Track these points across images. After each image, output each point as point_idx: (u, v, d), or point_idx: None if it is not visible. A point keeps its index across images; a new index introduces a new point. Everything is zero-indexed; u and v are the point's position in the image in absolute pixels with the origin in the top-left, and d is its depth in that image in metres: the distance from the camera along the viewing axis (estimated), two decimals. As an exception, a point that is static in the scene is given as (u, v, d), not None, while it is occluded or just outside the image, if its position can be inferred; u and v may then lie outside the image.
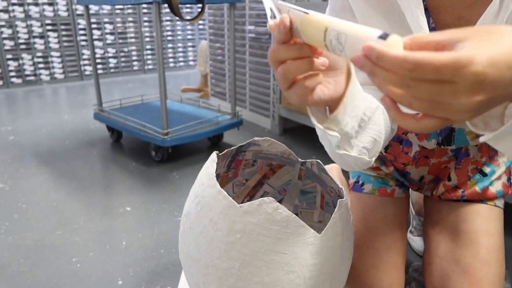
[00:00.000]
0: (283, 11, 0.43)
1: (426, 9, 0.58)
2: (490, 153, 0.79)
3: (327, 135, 0.51)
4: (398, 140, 0.81)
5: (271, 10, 0.44)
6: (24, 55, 3.48)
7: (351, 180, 0.91)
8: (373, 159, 0.58)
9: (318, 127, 0.50)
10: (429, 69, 0.31)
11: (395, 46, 0.33)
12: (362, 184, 0.87)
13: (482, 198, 0.79)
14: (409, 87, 0.33)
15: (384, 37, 0.33)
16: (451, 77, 0.31)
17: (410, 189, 0.90)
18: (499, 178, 0.80)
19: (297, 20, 0.41)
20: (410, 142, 0.79)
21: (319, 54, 0.44)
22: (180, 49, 4.32)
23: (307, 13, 0.40)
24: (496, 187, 0.79)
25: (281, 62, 0.44)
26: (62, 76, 3.70)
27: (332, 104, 0.49)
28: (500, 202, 0.80)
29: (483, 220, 0.76)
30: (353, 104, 0.50)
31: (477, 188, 0.79)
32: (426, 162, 0.80)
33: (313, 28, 0.40)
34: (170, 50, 4.26)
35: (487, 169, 0.80)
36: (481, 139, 0.40)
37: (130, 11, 3.90)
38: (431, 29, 0.59)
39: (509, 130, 0.38)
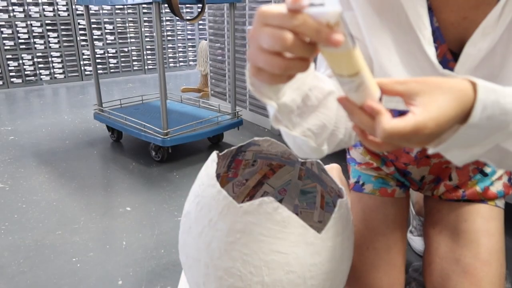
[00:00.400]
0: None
1: (429, 8, 0.58)
2: None
3: (267, 107, 0.49)
4: None
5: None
6: (24, 55, 3.48)
7: (352, 180, 0.91)
8: (325, 147, 0.55)
9: (255, 93, 0.45)
10: (397, 137, 0.40)
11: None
12: (363, 184, 0.87)
13: (483, 198, 0.79)
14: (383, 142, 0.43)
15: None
16: (411, 137, 0.41)
17: (410, 189, 0.90)
18: (500, 178, 0.80)
19: (323, 19, 0.34)
20: None
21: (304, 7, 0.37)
22: (180, 49, 4.32)
23: (354, 43, 0.36)
24: (496, 187, 0.79)
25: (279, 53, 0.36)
26: (62, 76, 3.70)
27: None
28: (500, 202, 0.80)
29: (484, 220, 0.76)
30: (297, 77, 0.48)
31: (478, 188, 0.79)
32: (428, 162, 0.80)
33: (346, 59, 0.37)
34: (170, 50, 4.26)
35: (488, 169, 0.80)
36: (429, 151, 0.48)
37: (130, 11, 3.90)
38: (435, 28, 0.59)
39: (453, 144, 0.45)
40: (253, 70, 0.38)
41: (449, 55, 0.60)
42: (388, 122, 0.40)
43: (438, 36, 0.59)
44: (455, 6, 0.57)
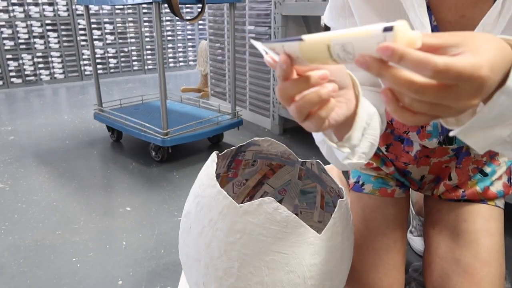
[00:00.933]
0: (277, 49, 0.42)
1: (428, 7, 0.58)
2: (491, 152, 0.79)
3: (335, 150, 0.52)
4: (399, 139, 0.81)
5: (264, 51, 0.43)
6: (24, 55, 3.48)
7: (352, 180, 0.91)
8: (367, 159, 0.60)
9: (332, 146, 0.52)
10: (452, 75, 0.33)
11: (406, 40, 0.33)
12: (363, 184, 0.87)
13: (483, 198, 0.79)
14: (416, 92, 0.34)
15: (389, 29, 0.32)
16: (467, 79, 0.33)
17: (410, 189, 0.90)
18: (499, 178, 0.80)
19: (295, 50, 0.40)
20: (411, 141, 0.79)
21: (325, 79, 0.43)
22: (180, 49, 4.32)
23: (301, 39, 0.39)
24: (496, 187, 0.79)
25: (292, 98, 0.44)
26: (62, 76, 3.70)
27: (345, 121, 0.50)
28: (500, 202, 0.80)
29: (484, 220, 0.76)
30: (360, 118, 0.51)
31: (478, 188, 0.79)
32: (427, 161, 0.80)
33: (314, 50, 0.39)
34: (170, 50, 4.26)
35: (487, 169, 0.80)
36: (451, 133, 0.43)
37: (130, 11, 3.90)
38: (433, 27, 0.59)
39: (477, 124, 0.40)
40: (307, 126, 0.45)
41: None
42: (441, 58, 0.32)
43: None
44: (453, 5, 0.57)
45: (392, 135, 0.82)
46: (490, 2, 0.54)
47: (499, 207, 0.79)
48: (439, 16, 0.59)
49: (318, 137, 0.59)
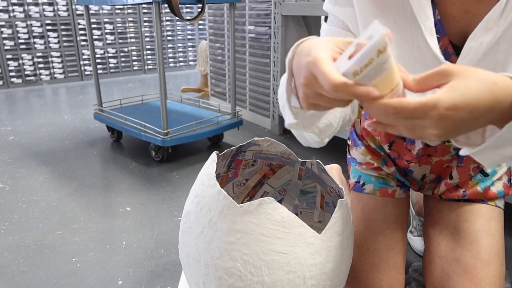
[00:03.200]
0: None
1: (432, 1, 0.58)
2: None
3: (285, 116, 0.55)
4: (402, 137, 0.81)
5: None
6: (24, 55, 3.48)
7: (352, 180, 0.90)
8: (325, 140, 0.63)
9: (295, 128, 0.55)
10: (405, 112, 0.41)
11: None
12: (363, 184, 0.87)
13: (483, 198, 0.79)
14: (392, 122, 0.43)
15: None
16: (421, 116, 0.41)
17: (410, 189, 0.90)
18: (500, 178, 0.80)
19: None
20: (413, 139, 0.79)
21: None
22: (180, 49, 4.32)
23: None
24: (497, 187, 0.79)
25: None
26: (62, 76, 3.70)
27: None
28: (500, 203, 0.80)
29: (484, 220, 0.76)
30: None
31: (479, 188, 0.79)
32: (429, 160, 0.80)
33: (390, 77, 0.42)
34: (170, 50, 4.26)
35: (488, 169, 0.80)
36: (461, 153, 0.48)
37: (130, 11, 3.90)
38: (436, 21, 0.59)
39: (488, 146, 0.45)
40: (307, 106, 0.47)
41: (451, 48, 0.60)
42: (396, 100, 0.40)
43: (439, 28, 0.59)
44: (458, 0, 0.57)
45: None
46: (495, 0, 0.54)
47: (499, 207, 0.79)
48: (443, 9, 0.59)
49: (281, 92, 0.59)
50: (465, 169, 0.79)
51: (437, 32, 0.59)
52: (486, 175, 0.80)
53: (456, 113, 0.40)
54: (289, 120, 0.54)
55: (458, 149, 0.78)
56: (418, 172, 0.83)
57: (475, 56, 0.56)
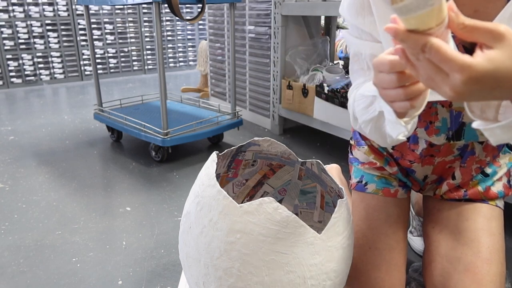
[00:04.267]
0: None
1: None
2: (494, 152, 0.79)
3: (394, 126, 0.57)
4: None
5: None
6: (24, 55, 3.48)
7: (354, 180, 0.90)
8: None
9: (397, 122, 0.55)
10: (436, 56, 0.40)
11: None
12: (366, 184, 0.87)
13: (484, 197, 0.79)
14: (417, 60, 0.42)
15: None
16: (447, 70, 0.40)
17: (411, 190, 0.90)
18: (500, 179, 0.80)
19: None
20: (416, 139, 0.79)
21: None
22: (180, 49, 4.32)
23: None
24: (497, 188, 0.79)
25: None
26: (62, 76, 3.70)
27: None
28: (500, 203, 0.80)
29: (485, 220, 0.76)
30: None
31: (480, 187, 0.79)
32: (432, 161, 0.80)
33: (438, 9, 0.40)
34: (170, 50, 4.26)
35: (488, 170, 0.80)
36: (473, 125, 0.48)
37: (130, 11, 3.90)
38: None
39: (502, 126, 0.45)
40: (391, 105, 0.50)
41: (462, 49, 0.61)
42: (434, 38, 0.39)
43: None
44: (467, 0, 0.58)
45: None
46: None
47: (499, 207, 0.79)
48: None
49: (364, 116, 0.66)
50: (467, 169, 0.79)
51: None
52: (486, 175, 0.80)
53: (481, 86, 0.40)
54: (398, 131, 0.57)
55: (461, 149, 0.78)
56: (420, 172, 0.83)
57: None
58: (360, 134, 0.91)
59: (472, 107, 0.49)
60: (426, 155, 0.79)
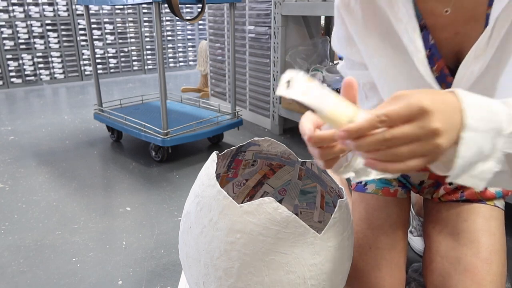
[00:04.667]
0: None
1: (425, 27, 0.62)
2: None
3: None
4: None
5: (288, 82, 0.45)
6: (24, 55, 3.48)
7: (354, 181, 0.91)
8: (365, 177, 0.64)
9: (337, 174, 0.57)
10: (393, 117, 0.40)
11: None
12: (365, 184, 0.88)
13: (481, 198, 0.79)
14: (388, 151, 0.41)
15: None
16: (411, 119, 0.40)
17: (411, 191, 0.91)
18: None
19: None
20: None
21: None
22: (180, 49, 4.32)
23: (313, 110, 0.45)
24: (494, 188, 0.80)
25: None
26: (62, 76, 3.70)
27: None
28: (500, 203, 0.80)
29: (484, 220, 0.76)
30: None
31: None
32: (426, 168, 0.80)
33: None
34: (170, 50, 4.26)
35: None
36: (447, 180, 0.46)
37: (130, 11, 3.90)
38: (431, 45, 0.63)
39: (461, 167, 0.44)
40: (323, 164, 0.51)
41: (446, 70, 0.64)
42: (380, 110, 0.41)
43: (434, 52, 0.63)
44: (447, 24, 0.61)
45: None
46: (482, 21, 0.58)
47: (498, 207, 0.79)
48: (435, 34, 0.62)
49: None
50: None
51: (433, 56, 0.63)
52: None
53: (436, 107, 0.40)
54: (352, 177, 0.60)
55: None
56: (415, 178, 0.85)
57: (468, 81, 0.59)
58: None
59: (435, 166, 0.49)
60: None
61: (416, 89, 0.43)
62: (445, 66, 0.63)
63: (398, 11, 0.60)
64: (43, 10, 3.46)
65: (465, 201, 0.80)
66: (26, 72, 3.52)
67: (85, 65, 3.78)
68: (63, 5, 3.54)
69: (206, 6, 2.07)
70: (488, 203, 0.79)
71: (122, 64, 3.99)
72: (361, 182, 0.89)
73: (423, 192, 0.87)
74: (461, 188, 0.80)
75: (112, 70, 3.95)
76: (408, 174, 0.83)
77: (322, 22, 2.42)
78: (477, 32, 0.58)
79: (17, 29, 3.39)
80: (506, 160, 0.46)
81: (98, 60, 3.84)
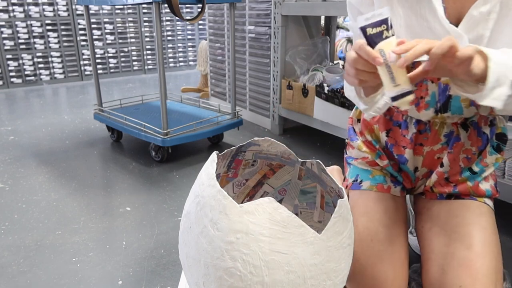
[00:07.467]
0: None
1: None
2: (479, 144, 0.82)
3: (359, 100, 0.73)
4: (397, 124, 0.86)
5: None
6: (24, 55, 3.48)
7: (350, 180, 0.92)
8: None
9: (360, 100, 0.73)
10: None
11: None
12: (360, 182, 0.90)
13: (473, 192, 0.81)
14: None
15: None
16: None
17: (406, 192, 0.92)
18: (486, 179, 0.83)
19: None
20: (406, 125, 0.84)
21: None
22: (180, 49, 4.32)
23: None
24: (485, 186, 0.82)
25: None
26: (62, 76, 3.70)
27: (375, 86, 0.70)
28: (489, 201, 0.82)
29: (474, 215, 0.78)
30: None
31: (469, 183, 0.81)
32: (421, 150, 0.83)
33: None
34: (170, 50, 4.26)
35: (476, 168, 0.82)
36: (476, 99, 0.60)
37: (130, 11, 3.90)
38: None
39: (487, 90, 0.58)
40: (358, 82, 0.64)
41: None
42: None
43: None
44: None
45: (391, 121, 0.87)
46: None
47: (488, 204, 0.81)
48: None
49: (348, 88, 0.82)
50: (455, 155, 0.81)
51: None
52: (474, 173, 0.82)
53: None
54: (362, 107, 0.74)
55: (448, 138, 0.81)
56: (411, 162, 0.86)
57: (473, 23, 0.67)
58: (354, 130, 0.95)
59: (457, 85, 0.63)
60: (416, 143, 0.83)
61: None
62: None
63: None
64: (43, 10, 3.46)
65: (456, 197, 0.82)
66: (26, 72, 3.52)
67: (85, 65, 3.78)
68: (63, 5, 3.54)
69: (206, 6, 2.07)
70: (478, 200, 0.80)
71: (122, 64, 3.99)
72: (356, 181, 0.90)
73: (417, 185, 0.90)
74: (453, 180, 0.82)
75: (112, 70, 3.95)
76: (406, 157, 0.85)
77: (322, 22, 2.42)
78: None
79: (17, 29, 3.39)
80: None
81: (98, 60, 3.84)
